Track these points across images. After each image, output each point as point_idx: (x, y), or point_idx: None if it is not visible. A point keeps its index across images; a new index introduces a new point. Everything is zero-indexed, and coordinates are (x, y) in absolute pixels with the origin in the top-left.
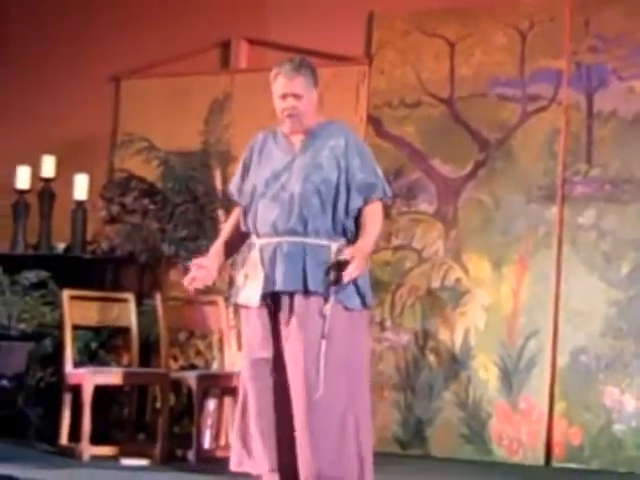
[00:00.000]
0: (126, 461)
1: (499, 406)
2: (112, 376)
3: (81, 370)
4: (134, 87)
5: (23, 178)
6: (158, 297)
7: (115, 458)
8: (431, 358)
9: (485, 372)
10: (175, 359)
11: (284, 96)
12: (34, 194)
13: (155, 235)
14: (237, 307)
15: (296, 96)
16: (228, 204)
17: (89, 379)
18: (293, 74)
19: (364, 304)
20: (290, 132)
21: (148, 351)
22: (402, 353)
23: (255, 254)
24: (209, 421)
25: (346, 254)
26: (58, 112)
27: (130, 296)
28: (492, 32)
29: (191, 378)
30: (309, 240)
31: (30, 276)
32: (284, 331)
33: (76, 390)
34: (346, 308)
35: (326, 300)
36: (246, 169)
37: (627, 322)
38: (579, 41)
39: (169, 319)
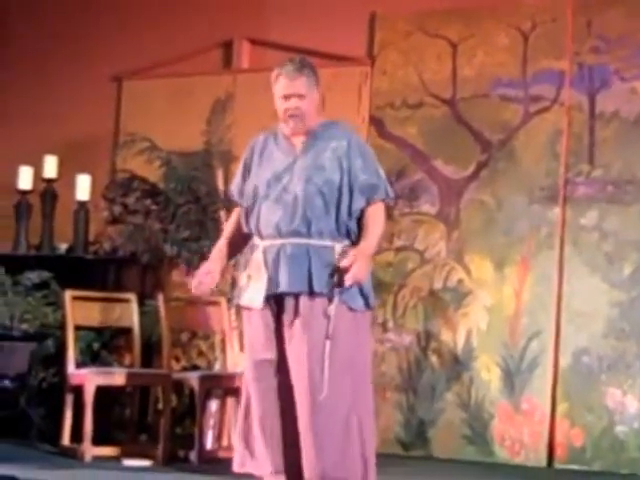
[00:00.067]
0: (128, 462)
1: (501, 407)
2: (114, 377)
3: (83, 371)
4: (136, 87)
5: (25, 178)
6: (160, 298)
7: (117, 459)
8: (433, 359)
9: (487, 373)
10: (177, 360)
11: (286, 97)
12: (36, 194)
13: (157, 235)
14: (239, 308)
15: (299, 96)
16: (230, 205)
17: (91, 380)
18: (295, 74)
19: (367, 305)
20: (291, 133)
21: (150, 352)
22: (404, 354)
23: (258, 256)
24: (211, 422)
25: (347, 260)
26: (60, 112)
27: (132, 297)
28: (494, 33)
29: (193, 379)
30: (313, 241)
31: (32, 276)
32: (287, 332)
33: (78, 391)
34: (350, 309)
35: (330, 301)
36: (247, 170)
37: (629, 323)
38: (581, 42)
39: (171, 320)
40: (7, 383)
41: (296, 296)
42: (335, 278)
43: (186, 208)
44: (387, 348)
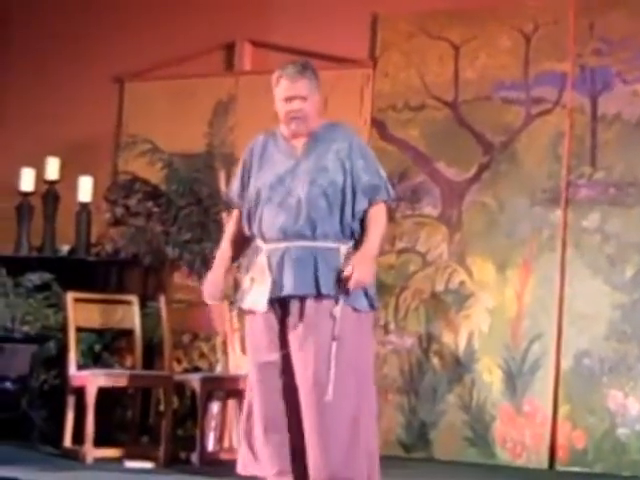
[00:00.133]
0: (130, 463)
1: (503, 409)
2: (116, 378)
3: (85, 372)
4: (138, 89)
5: (27, 180)
6: (162, 299)
7: (119, 460)
8: (435, 361)
9: (489, 375)
10: (179, 361)
11: (288, 99)
12: (38, 196)
13: (159, 237)
14: (242, 312)
15: (301, 98)
16: (232, 207)
17: (93, 381)
18: (297, 77)
19: (372, 306)
20: (292, 135)
21: (152, 353)
22: (406, 356)
23: (262, 259)
24: (213, 424)
25: (348, 270)
26: (61, 114)
27: (134, 298)
28: (496, 35)
29: (195, 381)
30: (318, 244)
31: (34, 278)
32: (291, 335)
33: (80, 392)
34: (355, 309)
35: (336, 302)
36: (246, 172)
37: (631, 325)
38: (583, 44)
39: (173, 321)
40: (8, 385)
41: (302, 299)
42: (340, 284)
43: (188, 210)
44: (389, 350)
